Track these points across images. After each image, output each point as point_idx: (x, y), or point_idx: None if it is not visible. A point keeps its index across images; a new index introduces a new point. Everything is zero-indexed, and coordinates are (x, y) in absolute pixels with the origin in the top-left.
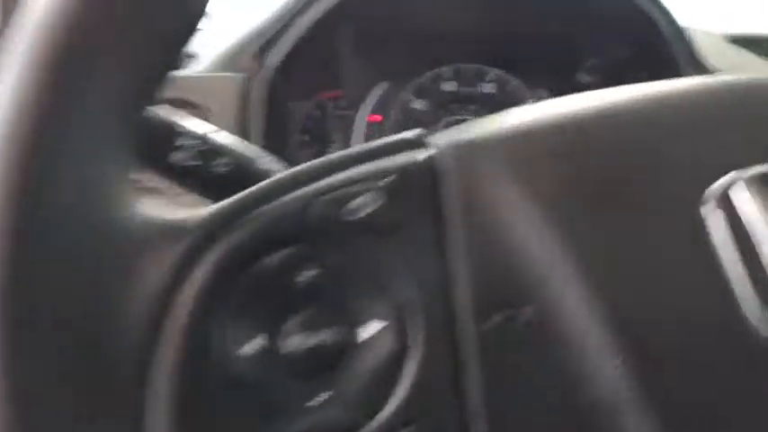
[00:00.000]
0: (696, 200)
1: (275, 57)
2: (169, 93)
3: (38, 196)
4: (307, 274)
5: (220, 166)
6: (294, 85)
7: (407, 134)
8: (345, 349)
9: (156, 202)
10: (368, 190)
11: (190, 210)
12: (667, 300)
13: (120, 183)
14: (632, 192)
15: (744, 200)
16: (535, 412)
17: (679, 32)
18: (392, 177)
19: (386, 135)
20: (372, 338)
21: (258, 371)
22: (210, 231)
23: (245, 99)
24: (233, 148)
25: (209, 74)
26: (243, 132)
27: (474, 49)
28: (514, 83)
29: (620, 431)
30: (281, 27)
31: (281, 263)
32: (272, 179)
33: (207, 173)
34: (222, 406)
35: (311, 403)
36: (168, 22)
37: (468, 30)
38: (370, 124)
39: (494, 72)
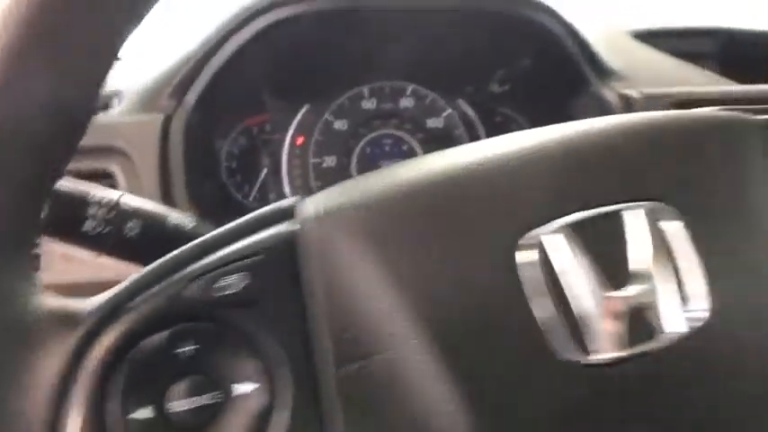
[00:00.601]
0: (513, 246)
1: (193, 94)
2: (93, 139)
3: None
4: (185, 348)
5: (131, 229)
6: (218, 116)
7: (282, 204)
8: (223, 408)
9: (51, 296)
10: (233, 271)
11: (81, 301)
12: (489, 341)
13: (19, 281)
14: (459, 243)
15: (556, 246)
16: None
17: (576, 38)
18: (258, 257)
19: (311, 156)
20: (245, 396)
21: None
22: (100, 320)
23: (164, 139)
24: (142, 210)
25: (129, 118)
26: (165, 172)
27: (391, 67)
28: (432, 96)
29: None
30: (195, 64)
31: (163, 341)
32: (153, 266)
33: (119, 237)
34: None
35: None
36: (50, 139)
37: (383, 47)
38: (296, 147)
39: (411, 87)
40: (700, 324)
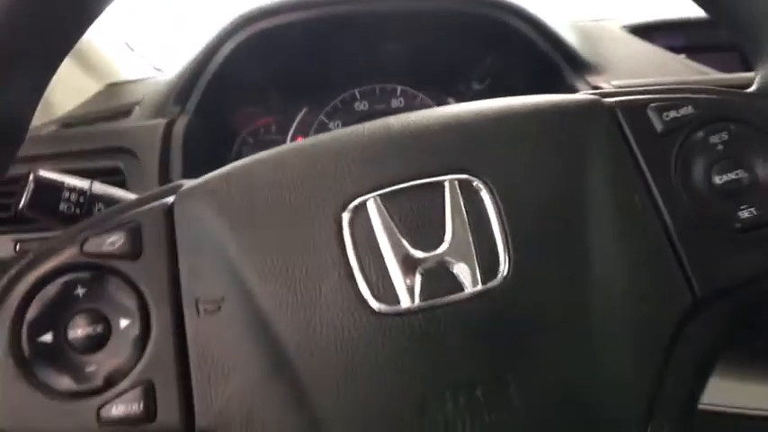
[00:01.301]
0: (340, 209)
1: (193, 100)
2: (108, 142)
3: None
4: (81, 290)
5: (99, 210)
6: (224, 120)
7: (171, 184)
8: (109, 336)
9: None
10: (117, 230)
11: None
12: (311, 286)
13: None
14: (295, 210)
15: (376, 211)
16: (238, 371)
17: (545, 34)
18: (135, 223)
19: None
20: (126, 327)
21: (53, 351)
22: (19, 269)
23: (166, 141)
24: (106, 194)
25: (138, 122)
26: (164, 170)
27: (379, 68)
28: (421, 96)
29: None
30: (193, 72)
31: (64, 284)
32: (67, 230)
33: (89, 217)
34: (28, 373)
35: (88, 369)
36: None
37: (371, 51)
38: None
39: (400, 88)
40: (494, 284)
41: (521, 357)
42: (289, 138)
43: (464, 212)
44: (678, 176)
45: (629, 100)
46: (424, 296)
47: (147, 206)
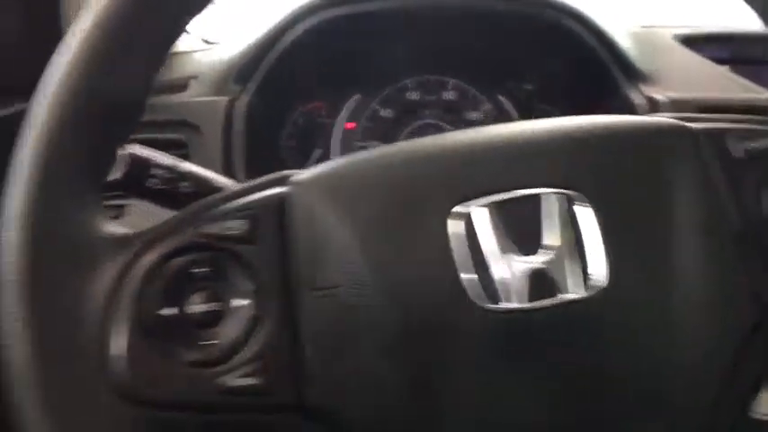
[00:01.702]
0: (446, 215)
1: (253, 82)
2: (171, 115)
3: (37, 219)
4: (201, 269)
5: (186, 188)
6: (278, 101)
7: (279, 174)
8: (224, 314)
9: (112, 223)
10: (238, 218)
11: (129, 229)
12: (422, 288)
13: (86, 209)
14: (405, 208)
15: (482, 218)
16: (348, 359)
17: (604, 42)
18: (254, 211)
19: (359, 140)
20: (240, 307)
21: (174, 324)
22: (143, 244)
23: (228, 118)
24: (193, 173)
25: (201, 98)
26: (227, 146)
27: (436, 61)
28: (472, 91)
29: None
30: (255, 55)
31: (186, 262)
32: (184, 210)
33: (175, 193)
34: (153, 342)
35: (206, 343)
36: (122, 96)
37: (430, 45)
38: (346, 131)
39: (453, 81)
40: (594, 293)
41: (611, 359)
42: (338, 122)
43: (567, 223)
44: (752, 201)
45: (712, 128)
46: (525, 298)
47: (261, 194)
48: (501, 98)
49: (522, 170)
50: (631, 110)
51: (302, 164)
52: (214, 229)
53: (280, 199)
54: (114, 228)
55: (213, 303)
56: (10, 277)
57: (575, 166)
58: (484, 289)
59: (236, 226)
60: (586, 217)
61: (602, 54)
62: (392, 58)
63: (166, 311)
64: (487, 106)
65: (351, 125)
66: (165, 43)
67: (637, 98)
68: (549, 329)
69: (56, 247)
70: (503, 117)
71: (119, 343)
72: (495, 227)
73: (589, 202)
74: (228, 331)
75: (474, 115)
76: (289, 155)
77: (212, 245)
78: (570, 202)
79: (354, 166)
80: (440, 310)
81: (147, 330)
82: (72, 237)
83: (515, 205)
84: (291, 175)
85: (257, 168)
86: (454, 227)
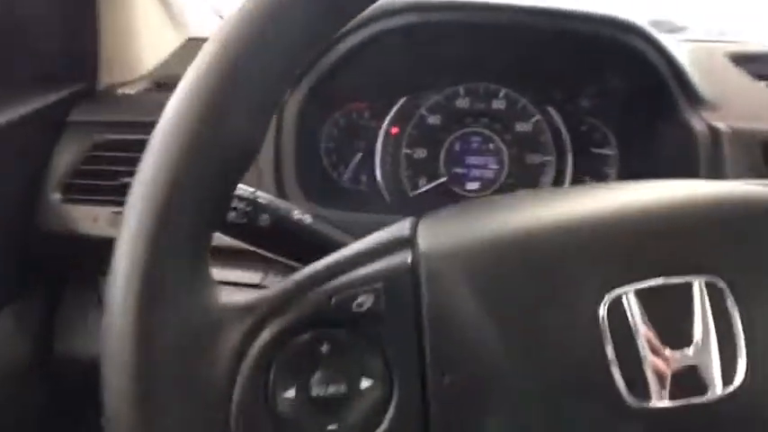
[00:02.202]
0: (598, 302)
1: (305, 85)
2: None
3: (154, 306)
4: (324, 347)
5: (263, 221)
6: (324, 104)
7: (399, 233)
8: (350, 396)
9: (226, 291)
10: (366, 291)
11: (247, 297)
12: (567, 379)
13: (203, 280)
14: (549, 297)
15: (633, 306)
16: None
17: (670, 64)
18: (382, 283)
19: (403, 146)
20: (369, 389)
21: (294, 408)
22: (262, 317)
23: (279, 123)
24: (272, 205)
25: None
26: (278, 152)
27: (487, 70)
28: (523, 101)
29: None
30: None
31: (309, 339)
32: (301, 278)
33: (254, 227)
34: (276, 427)
35: (330, 428)
36: (230, 164)
37: (482, 54)
38: (390, 135)
39: (504, 91)
40: (734, 388)
41: None
42: (384, 126)
43: (710, 313)
44: None
45: None
46: (673, 395)
47: (388, 262)
48: (551, 110)
49: (673, 255)
50: (690, 137)
51: (341, 166)
52: (343, 302)
53: (409, 270)
54: (227, 295)
55: (339, 384)
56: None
57: (722, 251)
58: (636, 385)
59: (365, 301)
60: (729, 306)
61: (665, 75)
62: (445, 64)
63: (288, 394)
64: (537, 118)
65: (395, 129)
66: (285, 78)
67: (697, 124)
68: (696, 429)
69: (174, 333)
70: (552, 130)
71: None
72: (648, 316)
73: (732, 289)
74: (353, 415)
75: (522, 126)
76: (327, 156)
77: (336, 321)
78: (718, 290)
79: (494, 241)
80: (586, 407)
81: (271, 414)
82: (190, 317)
83: (668, 293)
84: (416, 237)
85: (303, 177)
86: (606, 316)
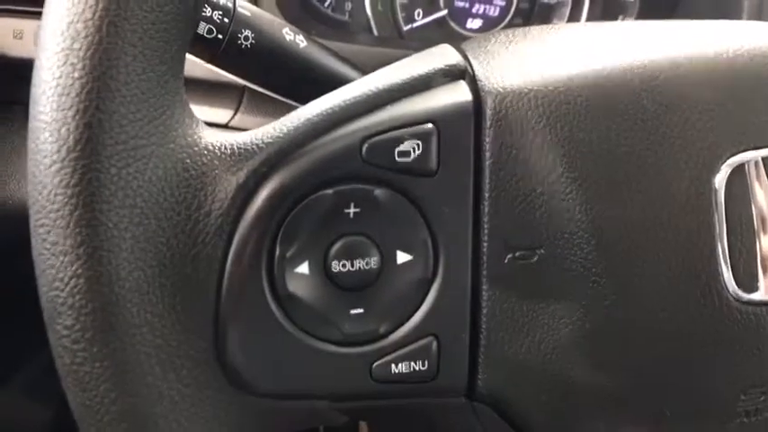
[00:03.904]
0: (715, 168)
1: None
2: None
3: (106, 136)
4: (354, 209)
5: (246, 39)
6: None
7: (447, 60)
8: (381, 273)
9: (214, 130)
10: (412, 136)
11: (244, 136)
12: (657, 253)
13: (181, 113)
14: (652, 153)
15: (755, 175)
16: (541, 332)
17: None
18: (434, 126)
19: None
20: (408, 264)
21: (309, 286)
22: (268, 159)
23: None
24: (257, 19)
25: None
26: None
27: None
28: None
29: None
30: None
31: (331, 197)
32: (321, 109)
33: (232, 46)
34: (287, 312)
35: (354, 312)
36: None
37: None
38: None
39: None
40: None
41: None
42: None
43: None
44: None
45: None
46: None
47: (437, 97)
48: None
49: None
50: None
51: None
52: (381, 150)
53: (470, 109)
54: (217, 134)
55: (368, 258)
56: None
57: None
58: (743, 274)
59: (410, 148)
60: None
61: None
62: None
63: (299, 268)
64: None
65: None
66: None
67: None
68: None
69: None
70: None
71: (236, 323)
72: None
73: None
74: (386, 297)
75: None
76: None
77: (371, 174)
78: None
79: (579, 80)
80: (682, 295)
81: (276, 297)
82: (165, 162)
83: None
84: (473, 68)
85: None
86: (724, 186)
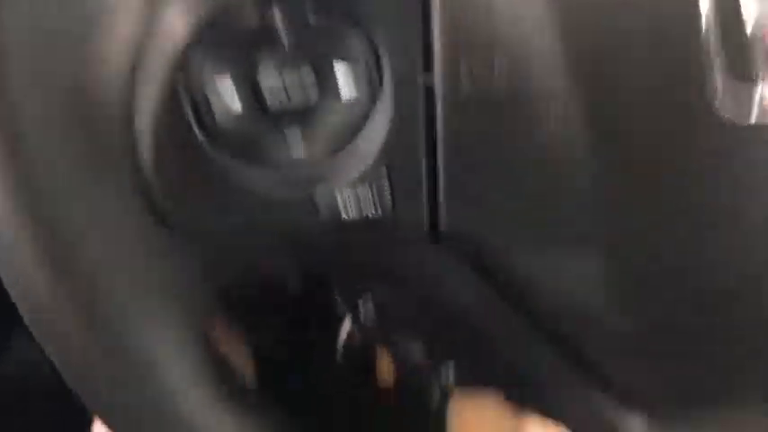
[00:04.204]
0: None
1: None
2: None
3: None
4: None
5: None
6: None
7: None
8: (320, 91)
9: None
10: None
11: None
12: (634, 54)
13: None
14: None
15: None
16: (496, 168)
17: None
18: None
19: None
20: (344, 82)
21: (235, 110)
22: None
23: None
24: None
25: None
26: None
27: None
28: None
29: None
30: None
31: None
32: None
33: None
34: (206, 137)
35: (292, 141)
36: None
37: None
38: None
39: None
40: None
41: None
42: None
43: None
44: None
45: None
46: None
47: None
48: None
49: None
50: None
51: None
52: None
53: None
54: None
55: (302, 72)
56: None
57: None
58: (731, 96)
59: None
60: None
61: None
62: None
63: (223, 81)
64: None
65: None
66: None
67: None
68: None
69: None
70: None
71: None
72: None
73: None
74: (336, 120)
75: None
76: None
77: None
78: None
79: None
80: (663, 107)
81: (196, 116)
82: None
83: None
84: None
85: None
86: None
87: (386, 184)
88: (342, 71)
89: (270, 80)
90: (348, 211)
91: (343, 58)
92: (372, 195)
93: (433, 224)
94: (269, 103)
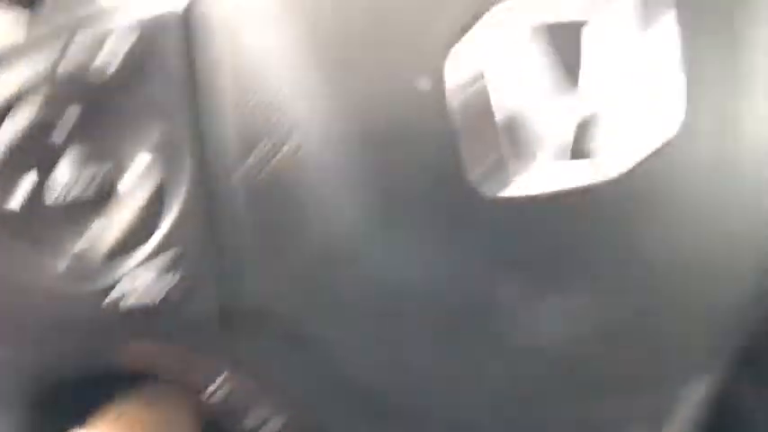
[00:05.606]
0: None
1: None
2: None
3: None
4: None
5: None
6: None
7: None
8: (112, 188)
9: None
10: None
11: None
12: (402, 147)
13: None
14: (378, 35)
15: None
16: (291, 247)
17: None
18: (138, 33)
19: None
20: (135, 177)
21: (27, 212)
22: None
23: None
24: None
25: None
26: None
27: None
28: None
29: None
30: None
31: (39, 116)
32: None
33: None
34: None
35: (90, 234)
36: None
37: None
38: None
39: None
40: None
41: None
42: None
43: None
44: None
45: None
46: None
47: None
48: None
49: None
50: None
51: None
52: (77, 60)
53: (180, 17)
54: None
55: (95, 166)
56: None
57: None
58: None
59: (111, 54)
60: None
61: None
62: None
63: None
64: None
65: None
66: None
67: None
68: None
69: None
70: None
71: None
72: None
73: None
74: (124, 210)
75: None
76: None
77: (78, 81)
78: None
79: None
80: (417, 181)
81: None
82: None
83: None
84: None
85: None
86: (455, 68)
87: (172, 271)
88: (127, 165)
89: (65, 176)
90: (133, 299)
91: (124, 153)
92: (158, 282)
93: (224, 308)
94: (53, 196)
